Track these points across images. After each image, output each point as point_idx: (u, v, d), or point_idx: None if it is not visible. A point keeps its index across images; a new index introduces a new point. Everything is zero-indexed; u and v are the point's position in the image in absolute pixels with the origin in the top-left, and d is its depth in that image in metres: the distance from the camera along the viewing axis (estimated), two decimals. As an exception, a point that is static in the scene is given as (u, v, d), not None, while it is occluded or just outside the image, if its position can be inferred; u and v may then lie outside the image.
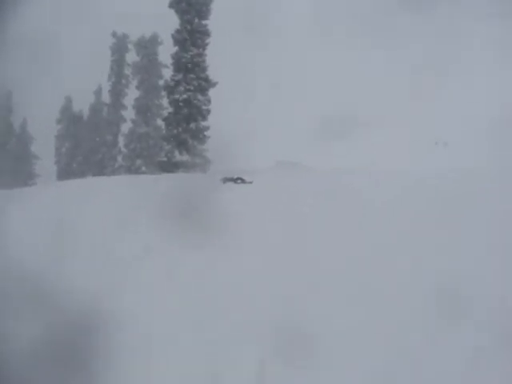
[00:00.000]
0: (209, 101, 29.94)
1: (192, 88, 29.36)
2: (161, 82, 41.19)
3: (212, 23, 30.78)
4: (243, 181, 19.27)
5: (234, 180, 19.35)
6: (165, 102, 35.64)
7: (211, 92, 30.33)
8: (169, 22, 30.91)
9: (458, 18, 51.73)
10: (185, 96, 29.11)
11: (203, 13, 30.20)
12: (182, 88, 29.33)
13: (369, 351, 5.73)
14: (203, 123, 29.94)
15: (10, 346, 6.47)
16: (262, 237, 10.68)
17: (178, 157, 28.86)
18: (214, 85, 30.12)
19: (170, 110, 30.31)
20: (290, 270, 8.57)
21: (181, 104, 29.25)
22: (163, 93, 36.72)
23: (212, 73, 30.47)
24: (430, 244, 9.23)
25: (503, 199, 11.76)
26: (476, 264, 7.95)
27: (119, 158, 45.35)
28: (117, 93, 45.92)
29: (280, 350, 5.90)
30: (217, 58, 31.52)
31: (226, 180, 19.29)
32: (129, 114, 45.26)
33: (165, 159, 29.38)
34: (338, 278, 7.81)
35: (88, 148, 48.47)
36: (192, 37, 29.77)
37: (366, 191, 14.13)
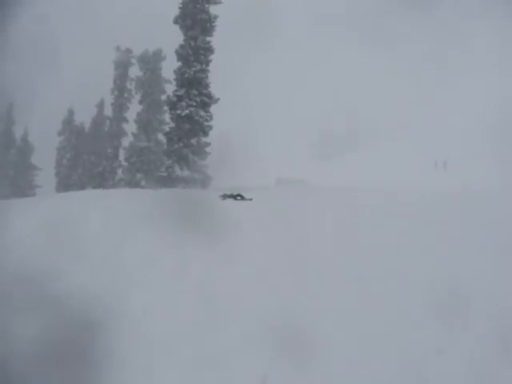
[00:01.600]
0: (210, 117, 30.03)
1: (194, 104, 29.45)
2: (163, 97, 41.32)
3: (215, 38, 31.01)
4: (243, 198, 19.21)
5: (234, 197, 19.27)
6: (167, 117, 35.92)
7: (213, 108, 30.46)
8: (173, 38, 31.15)
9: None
10: (187, 111, 29.18)
11: (207, 29, 30.41)
12: (184, 103, 29.42)
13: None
14: (204, 139, 30.02)
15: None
16: (257, 254, 10.67)
17: (179, 172, 28.88)
18: (216, 101, 30.22)
19: (172, 125, 30.39)
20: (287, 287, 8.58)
21: (183, 119, 29.33)
22: (165, 108, 36.96)
23: (214, 89, 30.63)
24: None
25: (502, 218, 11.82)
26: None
27: (119, 172, 45.38)
28: (119, 106, 46.05)
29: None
30: (219, 74, 31.72)
31: (226, 196, 19.22)
32: (130, 127, 45.43)
33: (165, 174, 29.40)
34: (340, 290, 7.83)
35: (89, 160, 48.58)
36: (195, 53, 29.93)
37: (367, 208, 14.17)
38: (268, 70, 56.98)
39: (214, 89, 30.35)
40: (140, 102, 44.68)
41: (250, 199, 18.90)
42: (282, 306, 6.95)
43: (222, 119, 32.12)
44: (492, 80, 40.25)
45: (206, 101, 29.83)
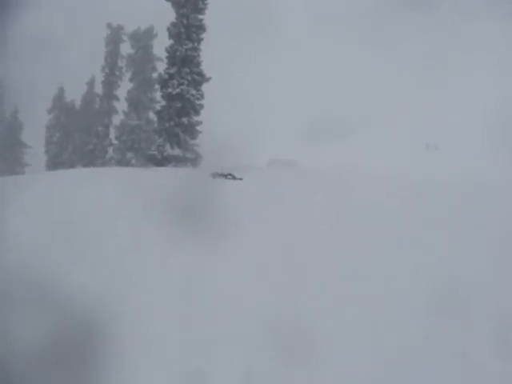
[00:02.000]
0: (202, 95, 29.81)
1: (186, 82, 29.22)
2: (154, 75, 41.03)
3: (208, 18, 30.73)
4: (234, 177, 19.24)
5: (225, 176, 19.30)
6: (158, 95, 35.56)
7: (205, 87, 30.25)
8: (165, 16, 30.83)
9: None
10: (178, 90, 28.97)
11: (200, 7, 30.08)
12: (175, 82, 29.19)
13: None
14: (196, 118, 29.83)
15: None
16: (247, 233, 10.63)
17: (169, 151, 28.73)
18: (207, 80, 30.00)
19: (163, 103, 30.16)
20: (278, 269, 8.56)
21: (174, 98, 29.12)
22: (156, 86, 36.68)
23: (206, 68, 30.39)
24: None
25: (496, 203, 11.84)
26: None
27: (110, 150, 45.16)
28: (109, 84, 45.68)
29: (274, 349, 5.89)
30: (212, 54, 31.47)
31: (217, 175, 19.24)
32: (121, 105, 45.10)
33: (155, 153, 29.25)
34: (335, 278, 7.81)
35: (79, 139, 48.26)
36: (187, 31, 29.63)
37: (359, 190, 14.15)
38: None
39: (212, 70, 30.19)
40: (131, 80, 44.33)
41: (241, 179, 18.92)
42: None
43: (215, 99, 31.95)
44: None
45: (197, 79, 29.61)
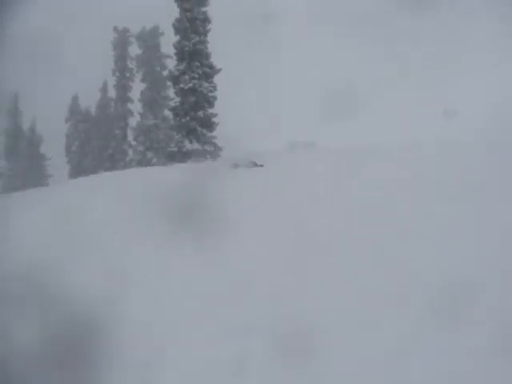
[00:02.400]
0: (214, 87, 29.84)
1: (197, 76, 29.27)
2: (165, 73, 41.12)
3: (212, 10, 30.71)
4: (255, 164, 19.29)
5: (245, 164, 19.36)
6: (171, 92, 35.62)
7: (216, 78, 30.28)
8: (169, 12, 30.86)
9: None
10: (190, 84, 29.03)
11: (202, 0, 30.08)
12: (186, 77, 29.25)
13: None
14: (210, 110, 29.89)
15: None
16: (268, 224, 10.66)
17: (188, 146, 28.84)
18: (218, 71, 30.01)
19: (177, 99, 30.22)
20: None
21: (187, 93, 29.20)
22: (168, 83, 36.80)
23: (215, 59, 30.40)
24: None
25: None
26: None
27: (130, 152, 45.49)
28: (122, 87, 45.96)
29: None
30: (218, 45, 31.47)
31: (237, 165, 19.31)
32: (135, 107, 45.38)
33: (175, 149, 29.37)
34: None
35: (98, 144, 48.66)
36: (193, 24, 29.63)
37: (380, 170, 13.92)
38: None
39: (221, 61, 30.18)
40: (142, 81, 44.58)
41: (262, 165, 18.96)
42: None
43: (227, 89, 31.94)
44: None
45: (208, 72, 29.64)
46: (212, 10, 30.54)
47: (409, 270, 7.17)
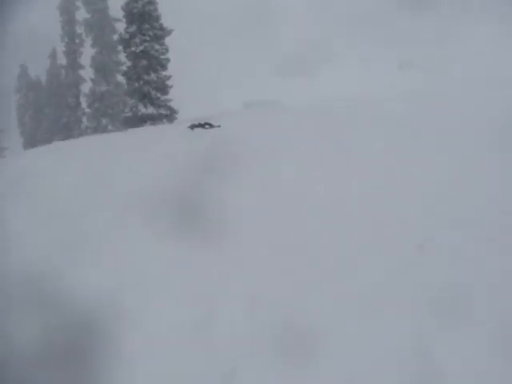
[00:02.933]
0: (166, 50, 29.35)
1: (148, 38, 28.72)
2: (115, 37, 40.21)
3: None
4: (211, 126, 19.19)
5: (202, 126, 19.25)
6: (122, 56, 34.97)
7: (167, 40, 29.77)
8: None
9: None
10: (141, 47, 28.49)
11: (148, -41, 29.35)
12: (137, 40, 28.68)
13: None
14: (164, 73, 29.46)
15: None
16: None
17: (143, 110, 28.47)
18: (169, 32, 29.48)
19: (128, 63, 29.69)
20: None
21: (138, 56, 28.68)
22: (119, 47, 36.04)
23: (166, 21, 29.81)
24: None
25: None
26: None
27: (84, 120, 44.69)
28: (72, 53, 44.85)
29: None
30: (168, 6, 30.90)
31: (194, 126, 19.19)
32: (87, 73, 44.38)
33: (130, 114, 28.97)
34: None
35: (51, 114, 47.63)
36: (140, -15, 28.97)
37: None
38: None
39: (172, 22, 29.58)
40: (92, 46, 43.50)
41: (219, 126, 18.89)
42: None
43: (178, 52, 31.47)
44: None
45: (159, 34, 29.08)
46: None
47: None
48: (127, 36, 29.08)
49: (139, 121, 28.27)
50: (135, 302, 6.67)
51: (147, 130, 21.86)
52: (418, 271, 6.82)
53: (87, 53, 44.28)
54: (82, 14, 44.55)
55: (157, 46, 28.90)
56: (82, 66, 45.11)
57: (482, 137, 10.65)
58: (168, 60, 29.39)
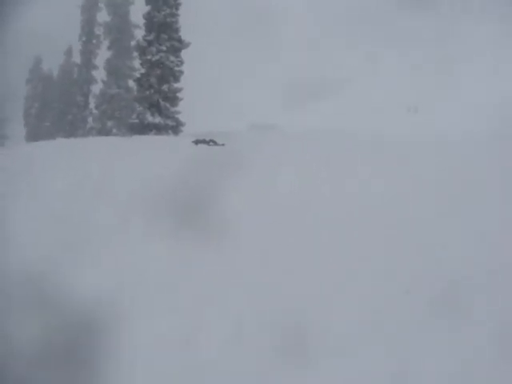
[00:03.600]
0: (181, 62, 29.48)
1: (164, 49, 28.87)
2: (133, 43, 40.39)
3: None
4: (215, 143, 19.25)
5: (207, 142, 19.31)
6: (136, 63, 35.13)
7: (184, 53, 29.92)
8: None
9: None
10: (157, 57, 28.62)
11: (175, -28, 29.63)
12: (154, 49, 28.82)
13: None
14: (175, 85, 29.54)
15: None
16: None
17: (150, 118, 28.49)
18: (186, 46, 29.63)
19: (142, 70, 29.79)
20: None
21: (153, 65, 28.80)
22: (135, 54, 36.19)
23: (184, 34, 29.99)
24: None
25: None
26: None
27: (90, 120, 44.74)
28: (87, 53, 45.04)
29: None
30: (189, 20, 31.10)
31: (198, 142, 19.24)
32: (100, 74, 44.55)
33: (136, 121, 28.98)
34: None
35: (58, 109, 47.71)
36: (164, -4, 29.20)
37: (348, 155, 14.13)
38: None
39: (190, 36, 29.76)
40: (109, 48, 43.70)
41: (223, 144, 18.94)
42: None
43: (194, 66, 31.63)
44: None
45: (176, 45, 29.24)
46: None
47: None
48: (145, 44, 29.22)
49: (145, 128, 28.27)
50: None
51: (152, 139, 21.91)
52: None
53: (102, 54, 44.53)
54: (102, 16, 44.92)
55: (172, 58, 29.03)
56: (95, 67, 45.28)
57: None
58: (182, 72, 29.49)
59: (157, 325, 6.28)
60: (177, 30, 29.47)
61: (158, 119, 28.63)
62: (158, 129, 28.40)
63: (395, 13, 55.67)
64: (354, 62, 51.96)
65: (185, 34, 29.74)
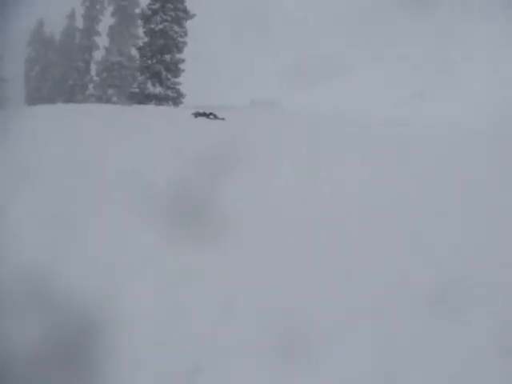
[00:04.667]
0: (185, 33, 29.28)
1: (169, 18, 28.63)
2: (137, 11, 39.96)
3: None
4: (216, 117, 19.14)
5: (207, 115, 19.19)
6: (140, 31, 34.84)
7: (188, 24, 29.68)
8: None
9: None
10: (161, 26, 28.41)
11: None
12: (158, 18, 28.59)
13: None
14: (178, 55, 29.36)
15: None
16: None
17: (151, 88, 28.36)
18: (191, 17, 29.40)
19: (145, 39, 29.60)
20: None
21: (156, 34, 28.57)
22: (139, 22, 35.82)
23: (190, 5, 29.71)
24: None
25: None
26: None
27: (90, 87, 44.38)
28: (90, 18, 44.44)
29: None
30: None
31: (198, 115, 19.13)
32: (102, 41, 44.07)
33: (137, 90, 28.85)
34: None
35: (58, 73, 47.33)
36: (171, -35, 28.85)
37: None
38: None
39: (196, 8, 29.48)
40: (113, 15, 43.20)
41: (223, 119, 18.84)
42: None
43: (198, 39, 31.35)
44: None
45: (181, 16, 29.01)
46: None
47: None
48: (149, 12, 28.96)
49: (145, 98, 28.13)
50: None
51: (152, 110, 21.74)
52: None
53: (106, 21, 43.96)
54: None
55: (176, 28, 28.80)
56: (98, 33, 44.72)
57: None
58: (185, 43, 29.30)
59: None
60: (182, 1, 29.19)
61: (158, 89, 28.50)
62: (159, 99, 28.26)
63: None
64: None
65: (191, 5, 29.53)
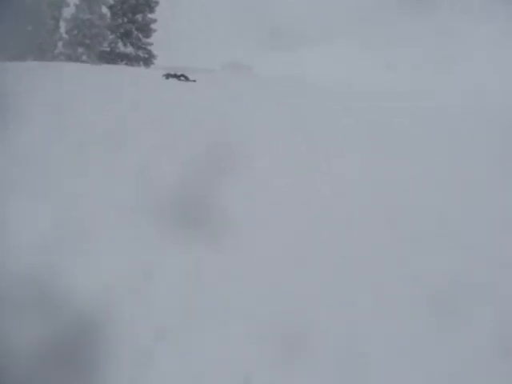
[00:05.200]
0: (157, -8, 28.91)
1: (141, -23, 28.21)
2: (108, -32, 39.12)
3: None
4: (187, 78, 19.05)
5: (178, 77, 19.09)
6: (112, -11, 34.16)
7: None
8: None
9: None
10: (133, -16, 27.98)
11: None
12: (130, -24, 28.13)
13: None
14: (150, 15, 28.99)
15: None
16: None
17: (122, 48, 28.05)
18: (163, -25, 29.00)
19: (117, -2, 29.15)
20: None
21: (128, -7, 28.16)
22: (111, -21, 35.11)
23: None
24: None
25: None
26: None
27: (59, 45, 43.47)
28: (60, -26, 43.40)
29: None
30: None
31: (169, 76, 19.01)
32: (72, -2, 43.06)
33: (107, 49, 28.50)
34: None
35: (26, 31, 46.22)
36: None
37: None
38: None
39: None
40: (83, -29, 42.23)
41: (194, 81, 18.77)
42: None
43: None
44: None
45: (153, -26, 28.60)
46: None
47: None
48: (120, -30, 28.47)
49: (115, 58, 27.82)
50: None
51: (122, 70, 21.48)
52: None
53: (76, -23, 42.90)
54: None
55: (148, -13, 28.41)
56: (68, -11, 43.71)
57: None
58: (157, 3, 28.93)
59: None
60: (154, -42, 28.75)
61: (129, 49, 28.22)
62: (129, 59, 27.99)
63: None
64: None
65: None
